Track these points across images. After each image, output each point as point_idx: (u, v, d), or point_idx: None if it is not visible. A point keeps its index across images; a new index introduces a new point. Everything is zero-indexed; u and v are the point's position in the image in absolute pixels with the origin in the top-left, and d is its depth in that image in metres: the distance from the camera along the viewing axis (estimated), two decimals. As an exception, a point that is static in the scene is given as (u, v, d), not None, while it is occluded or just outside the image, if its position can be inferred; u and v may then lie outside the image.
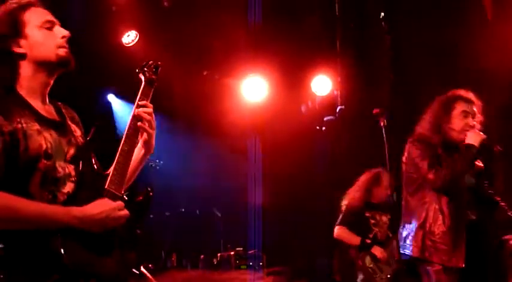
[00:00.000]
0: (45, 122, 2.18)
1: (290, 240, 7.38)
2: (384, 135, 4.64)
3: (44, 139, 2.13)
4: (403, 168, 4.13)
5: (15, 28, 2.21)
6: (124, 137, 2.37)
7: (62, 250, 2.02)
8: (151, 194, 2.31)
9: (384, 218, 5.48)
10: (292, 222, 7.48)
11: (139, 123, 2.39)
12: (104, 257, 2.14)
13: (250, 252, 6.53)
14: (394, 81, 6.91)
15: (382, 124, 4.69)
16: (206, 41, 7.27)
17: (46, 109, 2.23)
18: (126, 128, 2.39)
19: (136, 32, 7.07)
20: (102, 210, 2.12)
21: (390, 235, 5.40)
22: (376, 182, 5.51)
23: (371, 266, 5.40)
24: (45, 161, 2.12)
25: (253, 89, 7.38)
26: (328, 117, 7.30)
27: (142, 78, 2.55)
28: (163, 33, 7.14)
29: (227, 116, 7.41)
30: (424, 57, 6.44)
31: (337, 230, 5.49)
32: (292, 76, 7.43)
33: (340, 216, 5.61)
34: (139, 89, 2.51)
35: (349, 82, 7.14)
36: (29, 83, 2.19)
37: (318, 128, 7.42)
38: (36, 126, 2.13)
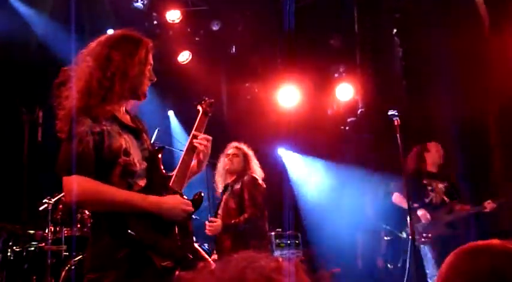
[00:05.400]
0: (124, 127, 2.38)
1: (321, 222, 7.25)
2: (398, 132, 4.68)
3: (124, 140, 2.32)
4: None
5: None
6: (185, 150, 2.57)
7: (133, 230, 2.18)
8: (202, 195, 2.52)
9: (440, 185, 5.55)
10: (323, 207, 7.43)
11: (199, 148, 2.56)
12: (166, 238, 2.29)
13: (288, 232, 6.56)
14: (406, 86, 7.20)
15: (396, 123, 4.69)
16: (247, 57, 7.49)
17: (125, 117, 2.45)
18: (187, 144, 2.58)
19: (190, 52, 7.38)
20: (177, 204, 2.34)
21: (446, 200, 5.46)
22: (425, 150, 5.57)
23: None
24: (124, 157, 2.28)
25: (287, 96, 7.53)
26: (351, 119, 7.45)
27: (200, 109, 2.75)
28: (212, 53, 7.44)
29: (265, 119, 7.52)
30: (431, 66, 6.61)
31: (394, 196, 5.66)
32: (320, 85, 7.61)
33: (398, 184, 5.59)
34: (197, 117, 2.70)
35: (368, 88, 7.34)
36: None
37: (342, 128, 7.59)
38: (118, 129, 2.33)
